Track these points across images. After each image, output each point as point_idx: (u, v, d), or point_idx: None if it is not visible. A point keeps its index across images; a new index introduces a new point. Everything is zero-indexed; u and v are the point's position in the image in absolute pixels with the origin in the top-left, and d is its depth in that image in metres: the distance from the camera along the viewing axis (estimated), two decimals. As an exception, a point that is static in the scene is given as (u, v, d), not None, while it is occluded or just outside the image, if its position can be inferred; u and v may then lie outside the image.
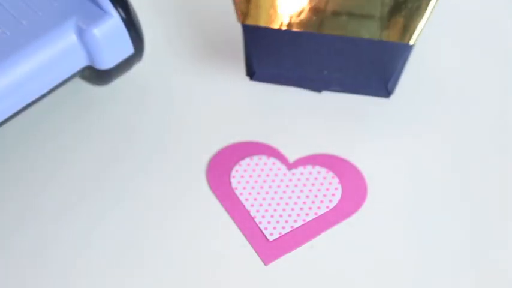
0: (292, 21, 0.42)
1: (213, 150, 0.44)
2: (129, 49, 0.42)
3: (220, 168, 0.43)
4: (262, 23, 0.42)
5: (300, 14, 0.42)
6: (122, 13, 0.41)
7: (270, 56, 0.42)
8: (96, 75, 0.43)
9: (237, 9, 0.42)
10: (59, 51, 0.40)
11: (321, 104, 0.45)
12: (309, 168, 0.43)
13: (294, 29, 0.42)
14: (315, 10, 0.42)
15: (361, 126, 0.44)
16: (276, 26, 0.42)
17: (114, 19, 0.41)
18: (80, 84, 0.46)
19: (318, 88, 0.43)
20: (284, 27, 0.42)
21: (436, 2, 0.41)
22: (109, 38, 0.41)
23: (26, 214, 0.41)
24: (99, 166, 0.43)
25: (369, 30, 0.41)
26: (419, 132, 0.44)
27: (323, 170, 0.42)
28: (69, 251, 0.40)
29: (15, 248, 0.40)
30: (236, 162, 0.43)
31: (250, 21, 0.42)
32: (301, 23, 0.42)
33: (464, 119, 0.45)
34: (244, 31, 0.42)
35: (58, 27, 0.40)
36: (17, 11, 0.41)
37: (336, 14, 0.42)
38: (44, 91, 0.41)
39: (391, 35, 0.41)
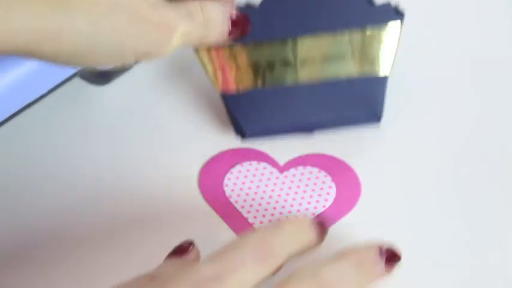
0: (267, 78, 0.43)
1: (202, 161, 0.43)
2: (129, 49, 0.42)
3: (212, 178, 0.42)
4: (240, 86, 0.43)
5: (272, 69, 0.43)
6: (122, 13, 0.41)
7: (255, 115, 0.43)
8: (96, 75, 0.43)
9: (212, 80, 0.43)
10: (59, 51, 0.40)
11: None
12: (300, 169, 0.42)
13: (271, 85, 0.43)
14: (285, 62, 0.43)
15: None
16: (252, 87, 0.43)
17: (114, 19, 0.41)
18: (80, 84, 0.46)
19: (309, 131, 0.43)
20: (260, 86, 0.43)
21: (401, 31, 0.43)
22: (109, 38, 0.41)
23: (26, 213, 0.41)
24: (97, 166, 0.43)
25: (345, 70, 0.43)
26: (412, 127, 0.45)
27: (315, 170, 0.42)
28: (62, 249, 0.40)
29: (13, 246, 0.40)
30: (227, 170, 0.43)
31: (227, 88, 0.43)
32: (276, 78, 0.43)
33: (451, 121, 0.45)
34: (224, 98, 0.43)
35: (58, 27, 0.40)
36: (17, 11, 0.41)
37: (308, 61, 0.43)
38: (44, 91, 0.41)
39: (366, 70, 0.43)
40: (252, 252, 0.33)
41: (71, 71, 0.42)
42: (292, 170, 0.42)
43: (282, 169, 0.43)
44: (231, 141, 0.44)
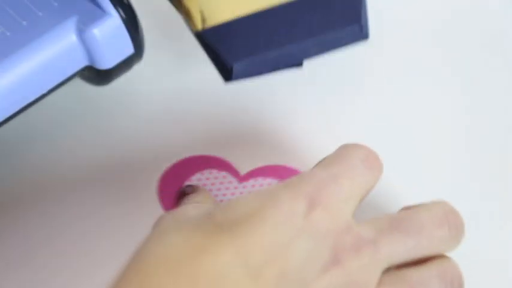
0: (243, 6, 0.41)
1: (162, 167, 0.43)
2: (129, 49, 0.42)
3: (171, 186, 0.42)
4: (216, 19, 0.41)
5: None
6: (122, 13, 0.41)
7: (238, 47, 0.40)
8: (96, 75, 0.43)
9: (193, 18, 0.41)
10: (59, 51, 0.40)
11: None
12: (260, 180, 0.42)
13: (248, 13, 0.41)
14: None
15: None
16: (229, 17, 0.41)
17: (114, 19, 0.41)
18: (80, 84, 0.46)
19: (298, 60, 0.41)
20: (237, 15, 0.41)
21: None
22: (109, 38, 0.41)
23: (24, 214, 0.41)
24: (97, 166, 0.43)
25: None
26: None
27: (275, 182, 0.42)
28: (62, 248, 0.40)
29: (11, 246, 0.40)
30: (187, 178, 0.42)
31: (208, 24, 0.41)
32: (252, 4, 0.41)
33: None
34: (202, 35, 0.41)
35: (58, 27, 0.40)
36: (17, 11, 0.41)
37: None
38: (44, 91, 0.41)
39: None
40: (360, 158, 0.35)
41: (70, 71, 0.42)
42: (251, 181, 0.42)
43: (242, 179, 0.42)
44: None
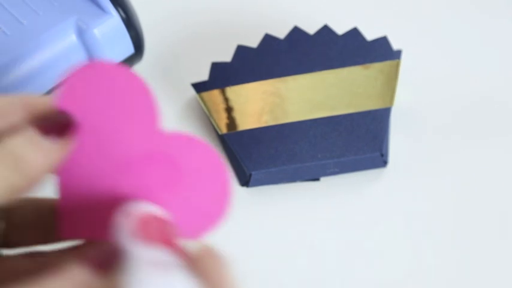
0: (268, 118, 0.42)
1: None
2: (129, 49, 0.42)
3: None
4: (241, 127, 0.42)
5: (272, 109, 0.42)
6: (122, 13, 0.41)
7: (260, 156, 0.42)
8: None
9: (218, 122, 0.42)
10: (59, 51, 0.40)
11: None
12: None
13: (272, 125, 0.42)
14: (285, 101, 0.42)
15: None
16: (253, 126, 0.42)
17: (114, 19, 0.41)
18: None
19: (315, 175, 0.42)
20: (262, 126, 0.42)
21: (399, 65, 0.43)
22: (109, 37, 0.41)
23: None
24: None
25: (345, 107, 0.42)
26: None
27: None
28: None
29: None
30: None
31: (229, 129, 0.42)
32: (276, 118, 0.42)
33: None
34: (226, 139, 0.42)
35: (58, 27, 0.40)
36: (18, 11, 0.41)
37: (308, 99, 0.43)
38: (44, 91, 0.41)
39: (366, 107, 0.42)
40: None
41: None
42: None
43: None
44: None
